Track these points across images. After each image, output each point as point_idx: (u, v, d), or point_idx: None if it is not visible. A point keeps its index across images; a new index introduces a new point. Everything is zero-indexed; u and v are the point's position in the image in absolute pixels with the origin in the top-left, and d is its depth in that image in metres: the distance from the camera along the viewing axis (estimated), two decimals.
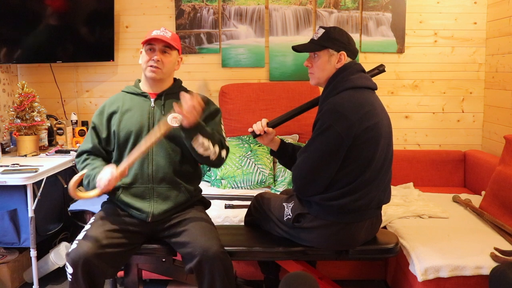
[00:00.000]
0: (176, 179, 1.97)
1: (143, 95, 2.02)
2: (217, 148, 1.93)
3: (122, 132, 1.97)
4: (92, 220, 1.96)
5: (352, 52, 1.94)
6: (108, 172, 1.82)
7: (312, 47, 1.94)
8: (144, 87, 2.05)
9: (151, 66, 1.96)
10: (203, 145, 1.87)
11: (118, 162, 1.94)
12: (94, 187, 1.87)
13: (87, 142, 2.04)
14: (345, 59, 1.91)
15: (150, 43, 1.96)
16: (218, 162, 1.98)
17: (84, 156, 2.02)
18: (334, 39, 1.91)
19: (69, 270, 1.78)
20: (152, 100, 2.01)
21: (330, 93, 1.89)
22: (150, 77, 1.99)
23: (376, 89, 1.95)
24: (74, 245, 1.81)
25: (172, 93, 2.03)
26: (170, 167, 1.96)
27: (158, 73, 1.97)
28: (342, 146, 1.78)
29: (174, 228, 1.95)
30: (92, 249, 1.77)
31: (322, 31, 1.93)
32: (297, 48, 1.97)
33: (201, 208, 2.10)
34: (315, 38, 1.94)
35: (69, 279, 1.80)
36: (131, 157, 1.82)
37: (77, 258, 1.75)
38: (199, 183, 2.12)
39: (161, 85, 2.03)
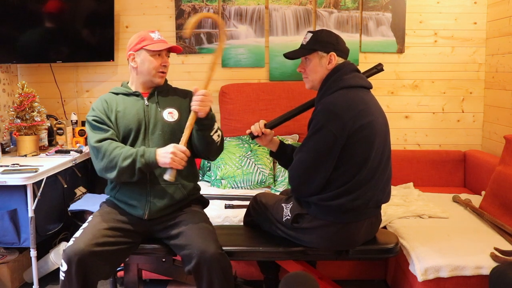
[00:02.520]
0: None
1: (135, 94, 2.04)
2: (219, 131, 2.00)
3: (121, 131, 1.99)
4: (90, 218, 1.96)
5: (342, 51, 1.95)
6: (171, 147, 1.84)
7: (302, 52, 1.96)
8: (134, 87, 2.06)
9: (161, 71, 2.00)
10: (216, 132, 1.96)
11: None
12: (148, 163, 1.84)
13: (99, 132, 1.94)
14: (335, 59, 1.92)
15: (156, 49, 1.97)
16: (222, 145, 2.04)
17: (108, 141, 1.91)
18: (322, 41, 1.93)
19: (63, 267, 1.78)
20: (145, 98, 2.03)
21: (324, 93, 1.91)
22: (159, 82, 2.02)
23: (371, 88, 1.96)
24: (71, 242, 1.82)
25: (164, 90, 2.06)
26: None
27: (164, 77, 2.04)
28: (336, 144, 1.79)
29: (172, 230, 1.94)
30: (88, 246, 1.77)
31: (310, 35, 1.96)
32: (288, 55, 2.00)
33: (199, 207, 2.10)
34: (304, 43, 1.97)
35: (62, 278, 1.79)
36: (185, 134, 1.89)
37: (73, 254, 1.75)
38: (196, 181, 2.11)
39: (153, 84, 2.05)
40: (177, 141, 1.97)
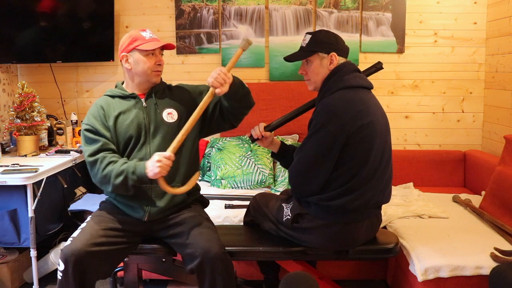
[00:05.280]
0: (174, 178, 1.97)
1: (132, 96, 1.99)
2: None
3: (121, 137, 1.95)
4: (88, 218, 1.95)
5: (343, 51, 1.95)
6: (156, 156, 1.80)
7: (302, 54, 1.96)
8: (130, 88, 2.02)
9: (157, 70, 1.97)
10: (244, 85, 1.94)
11: None
12: (137, 181, 1.83)
13: (92, 144, 1.92)
14: (336, 59, 1.92)
15: (149, 48, 1.94)
16: (250, 96, 2.01)
17: (100, 155, 1.89)
18: (321, 42, 1.92)
19: (60, 267, 1.77)
20: (143, 100, 2.00)
21: (324, 94, 1.91)
22: (155, 81, 1.99)
23: (371, 88, 1.96)
24: (68, 242, 1.81)
25: (160, 90, 2.03)
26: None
27: (160, 75, 2.00)
28: (336, 145, 1.79)
29: (173, 229, 1.94)
30: (85, 246, 1.77)
31: (309, 37, 1.95)
32: (288, 59, 1.99)
33: (200, 207, 2.09)
34: (304, 45, 1.96)
35: (59, 277, 1.78)
36: (177, 140, 1.85)
37: (70, 254, 1.75)
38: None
39: (150, 84, 2.01)
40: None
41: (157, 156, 1.80)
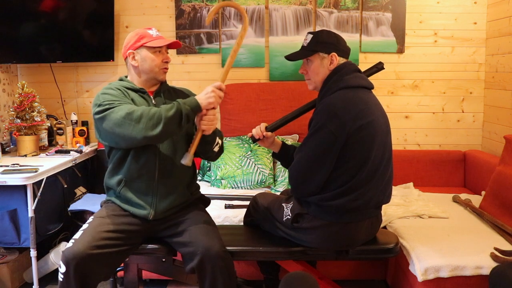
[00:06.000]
0: (180, 176, 1.97)
1: (142, 91, 1.98)
2: (219, 140, 2.02)
3: None
4: (90, 219, 1.93)
5: (343, 51, 1.95)
6: (209, 87, 1.84)
7: (303, 53, 1.97)
8: (138, 84, 2.00)
9: (164, 68, 1.98)
10: (218, 144, 2.00)
11: (122, 161, 1.93)
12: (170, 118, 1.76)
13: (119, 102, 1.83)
14: (337, 59, 1.92)
15: (157, 45, 1.94)
16: (221, 149, 2.07)
17: (141, 107, 1.81)
18: (322, 42, 1.93)
19: (62, 269, 1.76)
20: (152, 97, 1.99)
21: (325, 94, 1.91)
22: (162, 79, 2.00)
23: (372, 88, 1.96)
24: (70, 243, 1.79)
25: (166, 90, 2.04)
26: (175, 164, 1.95)
27: (166, 72, 2.01)
28: (336, 145, 1.79)
29: (175, 228, 1.94)
30: (87, 249, 1.75)
31: (310, 36, 1.96)
32: (289, 57, 2.00)
33: (201, 207, 2.10)
34: (305, 45, 1.97)
35: (60, 279, 1.77)
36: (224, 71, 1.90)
37: (71, 257, 1.73)
38: (196, 181, 2.12)
39: (156, 82, 2.01)
40: (185, 143, 1.98)
41: (211, 87, 1.84)
